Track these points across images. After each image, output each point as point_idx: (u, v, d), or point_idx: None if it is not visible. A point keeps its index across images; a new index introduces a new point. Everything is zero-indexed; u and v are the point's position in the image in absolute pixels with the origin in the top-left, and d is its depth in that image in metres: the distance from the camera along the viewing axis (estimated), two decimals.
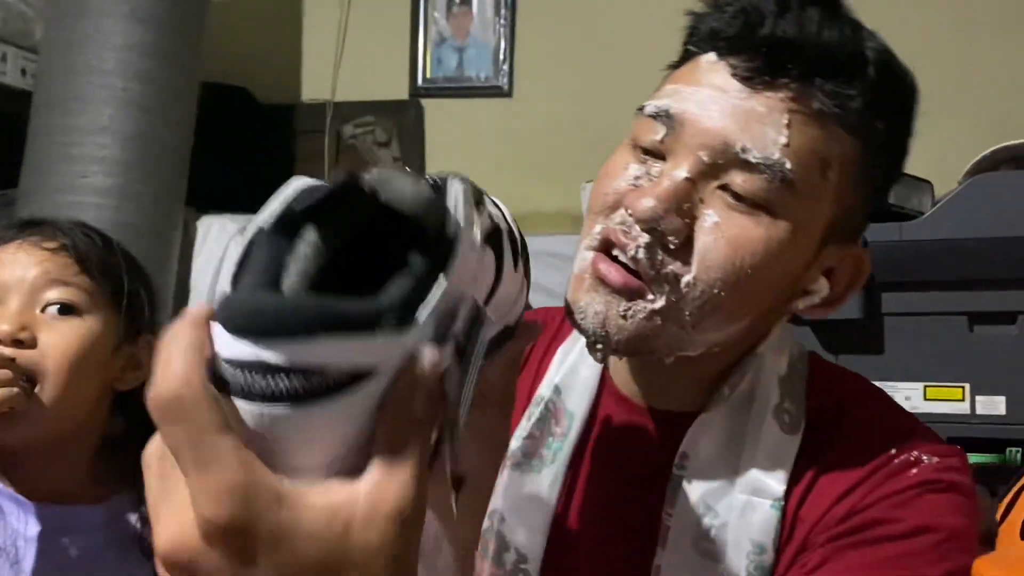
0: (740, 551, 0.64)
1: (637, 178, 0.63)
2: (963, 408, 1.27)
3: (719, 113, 0.61)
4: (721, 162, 0.60)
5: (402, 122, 2.47)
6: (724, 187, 0.61)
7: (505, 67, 2.60)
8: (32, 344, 0.79)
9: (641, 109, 0.64)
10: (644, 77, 0.74)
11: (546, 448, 0.72)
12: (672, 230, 0.60)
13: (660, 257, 0.61)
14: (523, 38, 2.63)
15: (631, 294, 0.62)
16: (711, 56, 0.63)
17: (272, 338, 0.29)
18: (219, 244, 2.27)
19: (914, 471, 0.63)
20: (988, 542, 0.74)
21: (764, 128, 0.60)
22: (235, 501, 0.30)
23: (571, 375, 0.73)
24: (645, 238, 0.60)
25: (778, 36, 0.60)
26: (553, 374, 0.75)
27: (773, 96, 0.60)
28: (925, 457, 0.64)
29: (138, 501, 0.87)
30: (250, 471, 0.30)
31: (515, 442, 0.73)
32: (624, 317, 0.62)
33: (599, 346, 0.63)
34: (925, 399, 1.28)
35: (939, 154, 1.80)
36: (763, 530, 0.64)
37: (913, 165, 1.40)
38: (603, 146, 0.70)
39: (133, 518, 0.86)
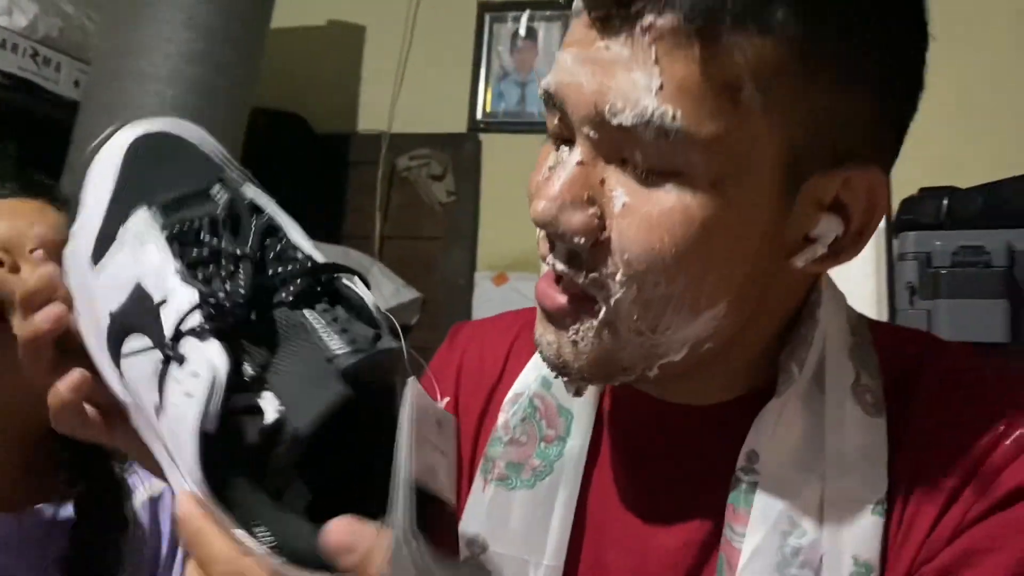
0: (839, 574, 0.51)
1: (551, 169, 0.52)
2: None
3: (586, 75, 0.48)
4: (606, 134, 0.48)
5: (458, 156, 2.39)
6: (624, 161, 0.49)
7: None
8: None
9: None
10: None
11: (537, 456, 0.60)
12: (574, 229, 0.49)
13: (583, 261, 0.50)
14: None
15: (571, 315, 0.52)
16: (577, 3, 0.50)
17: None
18: None
19: (1021, 459, 0.50)
20: None
21: (632, 75, 0.46)
22: None
23: None
24: (562, 247, 0.50)
25: None
26: (538, 364, 0.62)
27: (633, 32, 0.46)
28: None
29: (59, 510, 0.77)
30: None
31: (493, 448, 0.61)
32: (575, 343, 0.52)
33: (564, 378, 0.55)
34: None
35: None
36: (867, 543, 0.51)
37: None
38: None
39: (52, 531, 0.74)
